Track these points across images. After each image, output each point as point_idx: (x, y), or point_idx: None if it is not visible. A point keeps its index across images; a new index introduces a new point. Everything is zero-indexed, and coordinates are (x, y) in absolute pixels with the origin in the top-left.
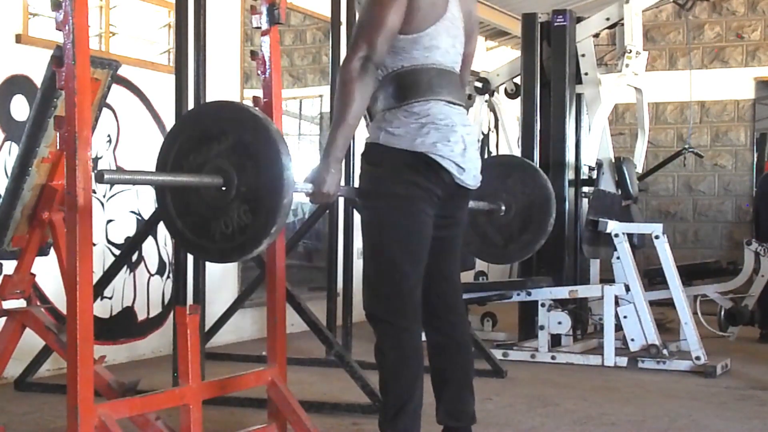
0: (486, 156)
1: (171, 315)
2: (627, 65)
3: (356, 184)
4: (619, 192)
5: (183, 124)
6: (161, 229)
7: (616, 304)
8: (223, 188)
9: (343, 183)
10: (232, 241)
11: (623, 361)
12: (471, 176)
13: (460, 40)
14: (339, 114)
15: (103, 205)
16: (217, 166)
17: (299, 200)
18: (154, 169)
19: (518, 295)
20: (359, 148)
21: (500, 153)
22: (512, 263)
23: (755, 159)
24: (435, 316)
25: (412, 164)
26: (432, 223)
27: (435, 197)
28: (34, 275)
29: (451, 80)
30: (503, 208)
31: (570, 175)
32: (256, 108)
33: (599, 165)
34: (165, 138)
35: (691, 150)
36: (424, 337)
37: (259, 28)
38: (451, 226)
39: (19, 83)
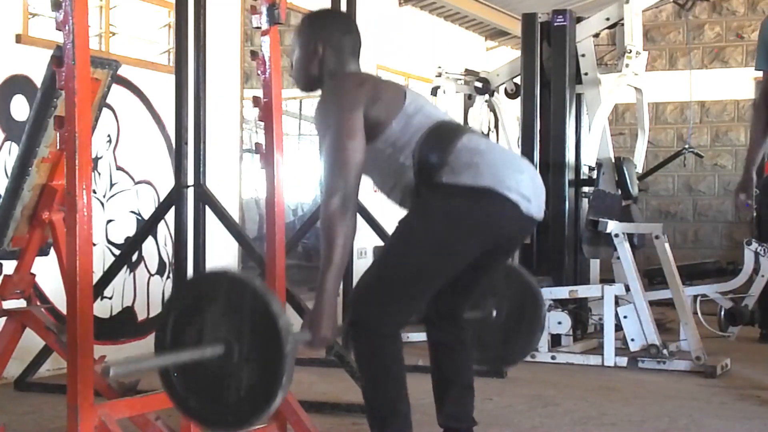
0: None
1: None
2: (627, 65)
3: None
4: (619, 192)
5: (172, 303)
6: (161, 229)
7: (616, 304)
8: (226, 358)
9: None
10: (247, 403)
11: (623, 361)
12: (537, 206)
13: (433, 106)
14: (326, 256)
15: (103, 205)
16: (214, 335)
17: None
18: (153, 171)
19: None
20: None
21: None
22: (512, 365)
23: None
24: (444, 319)
25: (477, 199)
26: (468, 259)
27: (491, 239)
28: (34, 275)
29: (461, 126)
30: (494, 312)
31: (570, 175)
32: (231, 270)
33: (599, 165)
34: (159, 321)
35: (691, 150)
36: (425, 337)
37: (259, 28)
38: (495, 259)
39: (19, 83)
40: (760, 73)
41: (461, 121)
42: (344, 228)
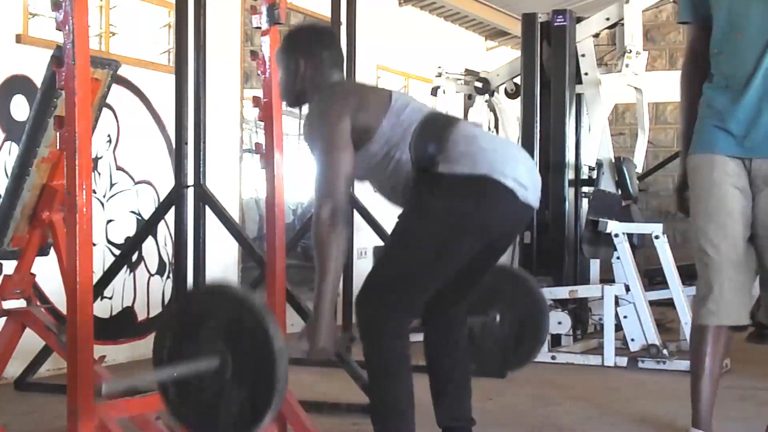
0: None
1: None
2: (627, 65)
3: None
4: (619, 192)
5: (169, 317)
6: (161, 229)
7: (616, 304)
8: (221, 374)
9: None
10: (242, 417)
11: (623, 361)
12: (534, 194)
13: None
14: (320, 269)
15: (103, 205)
16: (210, 349)
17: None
18: (153, 171)
19: None
20: None
21: None
22: (513, 371)
23: None
24: (440, 317)
25: (474, 189)
26: (467, 254)
27: (488, 233)
28: (34, 275)
29: (453, 118)
30: (498, 318)
31: (570, 175)
32: (230, 285)
33: (599, 165)
34: (155, 334)
35: None
36: (422, 337)
37: (259, 28)
38: (491, 253)
39: (19, 83)
40: None
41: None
42: (336, 239)
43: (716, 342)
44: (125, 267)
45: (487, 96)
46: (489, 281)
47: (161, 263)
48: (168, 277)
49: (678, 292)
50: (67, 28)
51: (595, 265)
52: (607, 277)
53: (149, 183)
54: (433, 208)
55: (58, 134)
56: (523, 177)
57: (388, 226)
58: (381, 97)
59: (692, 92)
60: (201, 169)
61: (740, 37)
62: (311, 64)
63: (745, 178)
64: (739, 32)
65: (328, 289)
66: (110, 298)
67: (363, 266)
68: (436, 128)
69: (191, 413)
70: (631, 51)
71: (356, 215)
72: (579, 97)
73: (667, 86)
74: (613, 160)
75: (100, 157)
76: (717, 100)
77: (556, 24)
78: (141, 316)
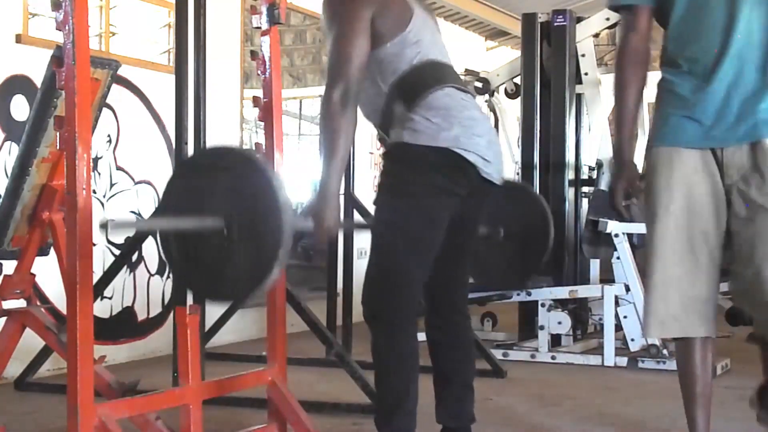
0: None
1: (171, 315)
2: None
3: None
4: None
5: (181, 172)
6: None
7: (616, 304)
8: (226, 230)
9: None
10: (240, 283)
11: (623, 361)
12: (496, 170)
13: (439, 38)
14: (328, 149)
15: (103, 205)
16: (216, 208)
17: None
18: (153, 171)
19: (518, 295)
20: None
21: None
22: (510, 290)
23: None
24: (439, 315)
25: (435, 162)
26: (445, 225)
27: (454, 197)
28: (34, 275)
29: (450, 71)
30: (502, 233)
31: (570, 175)
32: (247, 150)
33: (599, 165)
34: (165, 186)
35: None
36: (424, 337)
37: (259, 28)
38: (466, 229)
39: (19, 83)
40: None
41: None
42: (346, 120)
43: (695, 355)
44: (125, 267)
45: (487, 96)
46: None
47: (161, 263)
48: (168, 277)
49: None
50: (67, 28)
51: (595, 265)
52: (607, 277)
53: (149, 183)
54: (403, 186)
55: (58, 134)
56: (486, 152)
57: None
58: (403, 14)
59: (634, 97)
60: None
61: (704, 18)
62: None
63: (716, 171)
64: (702, 13)
65: (336, 168)
66: (110, 298)
67: (363, 266)
68: (417, 85)
69: (194, 271)
70: None
71: (356, 215)
72: (579, 97)
73: None
74: None
75: (100, 157)
76: (680, 86)
77: (556, 24)
78: (141, 316)
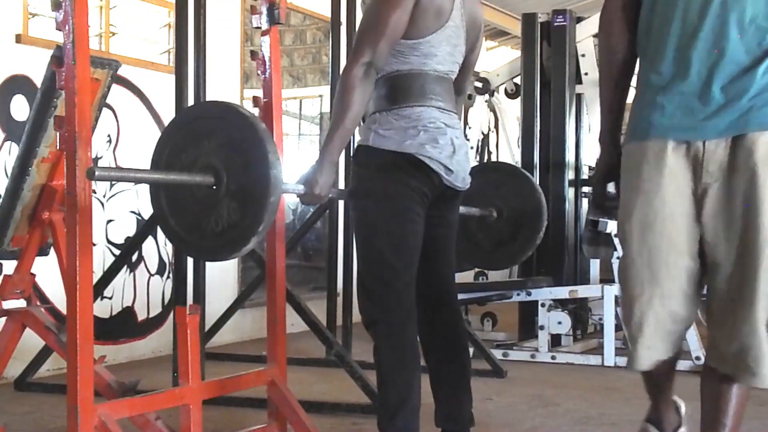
0: (486, 156)
1: (171, 315)
2: None
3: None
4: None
5: (175, 125)
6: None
7: (616, 304)
8: (214, 186)
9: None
10: (222, 239)
11: (623, 361)
12: (460, 178)
13: (461, 49)
14: (337, 117)
15: (103, 205)
16: (207, 164)
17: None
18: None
19: (518, 295)
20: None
21: (500, 154)
22: (497, 269)
23: None
24: (426, 313)
25: (400, 165)
26: (423, 221)
27: (424, 196)
28: (34, 275)
29: (445, 87)
30: (495, 214)
31: (570, 175)
32: (244, 108)
33: None
34: (158, 138)
35: None
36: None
37: (259, 28)
38: (442, 225)
39: (19, 83)
40: None
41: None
42: (362, 94)
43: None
44: (125, 267)
45: (487, 96)
46: (491, 176)
47: (161, 263)
48: (168, 277)
49: None
50: (67, 28)
51: (595, 265)
52: (607, 277)
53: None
54: (374, 189)
55: (58, 134)
56: (449, 162)
57: None
58: (436, 20)
59: (620, 64)
60: None
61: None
62: None
63: (689, 169)
64: None
65: (339, 139)
66: (110, 298)
67: None
68: (401, 94)
69: (180, 224)
70: None
71: None
72: (579, 97)
73: None
74: None
75: (100, 157)
76: (653, 71)
77: (556, 24)
78: (141, 316)
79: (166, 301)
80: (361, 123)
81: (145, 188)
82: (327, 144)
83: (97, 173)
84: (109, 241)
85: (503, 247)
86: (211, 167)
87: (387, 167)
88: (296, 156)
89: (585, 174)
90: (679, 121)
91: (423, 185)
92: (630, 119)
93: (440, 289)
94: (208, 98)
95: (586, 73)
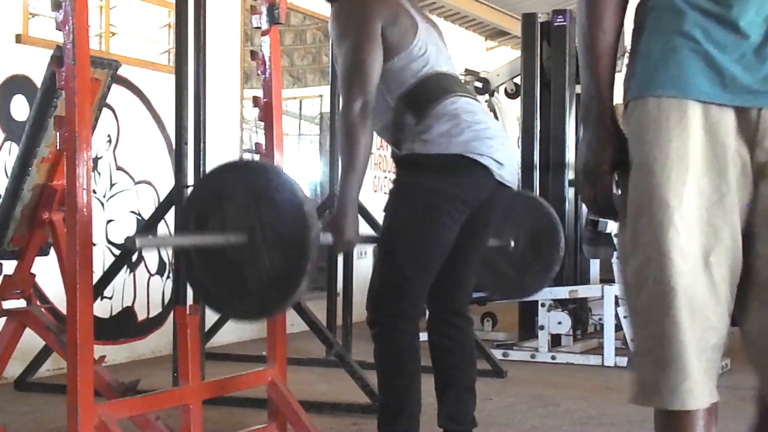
0: None
1: (171, 315)
2: (627, 65)
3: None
4: (620, 191)
5: (194, 194)
6: (161, 229)
7: (616, 304)
8: (249, 242)
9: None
10: (272, 291)
11: (623, 361)
12: (509, 172)
13: (444, 51)
14: (348, 161)
15: (103, 205)
16: (237, 223)
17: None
18: (153, 171)
19: None
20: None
21: None
22: (531, 296)
23: None
24: (442, 319)
25: (447, 168)
26: (456, 228)
27: (465, 207)
28: (34, 275)
29: (455, 80)
30: (512, 243)
31: (570, 175)
32: (258, 159)
33: None
34: (183, 207)
35: None
36: (425, 337)
37: (259, 28)
38: (477, 235)
39: (19, 83)
40: None
41: None
42: (365, 133)
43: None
44: (125, 267)
45: (487, 96)
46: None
47: (161, 263)
48: (168, 277)
49: None
50: (67, 28)
51: (595, 265)
52: (607, 277)
53: (149, 183)
54: (411, 193)
55: (58, 134)
56: (498, 154)
57: None
58: (410, 28)
59: (613, 15)
60: (201, 169)
61: None
62: None
63: (743, 143)
64: None
65: (355, 182)
66: (110, 298)
67: (363, 266)
68: (424, 97)
69: (217, 285)
70: None
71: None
72: (579, 97)
73: None
74: None
75: (100, 157)
76: (690, 12)
77: (556, 24)
78: (141, 316)
79: (166, 301)
80: (398, 151)
81: (145, 189)
82: (344, 188)
83: (138, 243)
84: (109, 241)
85: (530, 271)
86: (242, 226)
87: (431, 174)
88: (296, 156)
89: None
90: (729, 83)
91: (466, 193)
92: (645, 65)
93: (458, 295)
94: (208, 98)
95: None
